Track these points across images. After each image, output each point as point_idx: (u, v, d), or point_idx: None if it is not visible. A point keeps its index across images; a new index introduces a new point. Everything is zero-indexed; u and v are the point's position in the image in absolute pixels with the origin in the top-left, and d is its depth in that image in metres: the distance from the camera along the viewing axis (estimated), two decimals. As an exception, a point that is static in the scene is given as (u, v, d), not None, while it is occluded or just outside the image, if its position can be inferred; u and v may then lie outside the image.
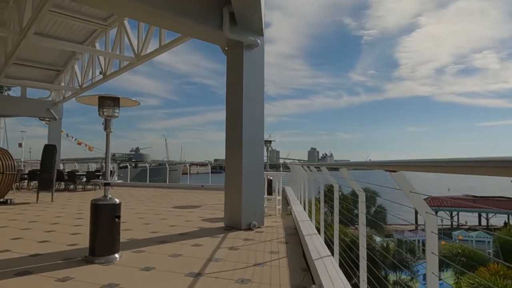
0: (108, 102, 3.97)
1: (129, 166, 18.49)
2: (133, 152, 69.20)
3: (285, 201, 9.12)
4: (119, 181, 5.29)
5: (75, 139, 31.21)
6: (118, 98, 4.02)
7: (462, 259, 8.57)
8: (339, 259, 3.39)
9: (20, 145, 20.66)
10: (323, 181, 5.01)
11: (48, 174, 9.23)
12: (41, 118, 16.40)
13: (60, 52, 13.50)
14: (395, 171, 1.41)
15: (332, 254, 3.47)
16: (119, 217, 3.92)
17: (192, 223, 6.14)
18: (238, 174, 5.70)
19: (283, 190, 9.80)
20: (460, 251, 9.03)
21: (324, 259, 3.23)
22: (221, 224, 5.96)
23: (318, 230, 5.08)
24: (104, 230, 3.82)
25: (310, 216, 6.29)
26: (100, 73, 11.90)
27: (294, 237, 5.03)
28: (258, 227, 5.69)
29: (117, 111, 4.03)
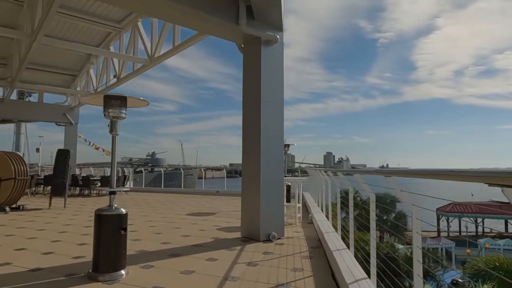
0: (114, 102, 3.60)
1: (144, 171, 18.19)
2: (149, 157, 69.70)
3: (305, 208, 8.62)
4: (126, 189, 4.86)
5: (93, 144, 31.63)
6: (125, 98, 3.65)
7: (500, 272, 7.77)
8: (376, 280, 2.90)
9: (37, 150, 20.89)
10: (348, 187, 4.59)
11: (61, 180, 9.03)
12: (58, 123, 16.43)
13: (75, 56, 13.46)
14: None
15: (368, 275, 2.98)
16: (125, 229, 3.53)
17: (206, 233, 5.73)
18: (255, 181, 5.26)
19: (302, 197, 9.30)
20: (497, 264, 8.22)
21: (360, 283, 2.74)
22: (238, 235, 5.52)
23: (343, 239, 4.59)
24: (108, 243, 3.43)
25: (333, 224, 5.79)
26: (114, 76, 11.74)
27: (318, 251, 4.54)
28: (278, 238, 5.23)
29: (124, 111, 3.66)
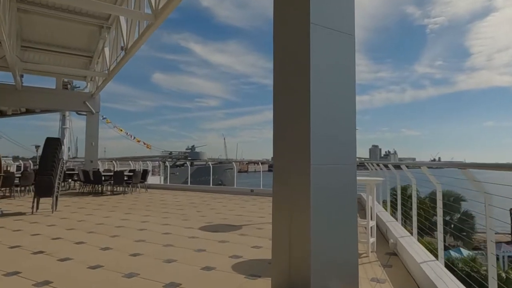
0: None
1: (168, 165, 15.99)
2: (188, 150, 68.84)
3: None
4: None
5: (134, 138, 31.15)
6: None
7: None
8: None
9: (62, 143, 20.14)
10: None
11: (47, 177, 7.05)
12: (78, 112, 14.96)
13: (88, 32, 11.73)
14: None
15: None
16: None
17: (211, 279, 3.22)
18: (301, 185, 2.62)
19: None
20: None
21: None
22: (267, 284, 2.94)
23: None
24: None
25: (445, 264, 3.02)
26: (122, 48, 9.71)
27: None
28: (347, 304, 2.58)
29: None
